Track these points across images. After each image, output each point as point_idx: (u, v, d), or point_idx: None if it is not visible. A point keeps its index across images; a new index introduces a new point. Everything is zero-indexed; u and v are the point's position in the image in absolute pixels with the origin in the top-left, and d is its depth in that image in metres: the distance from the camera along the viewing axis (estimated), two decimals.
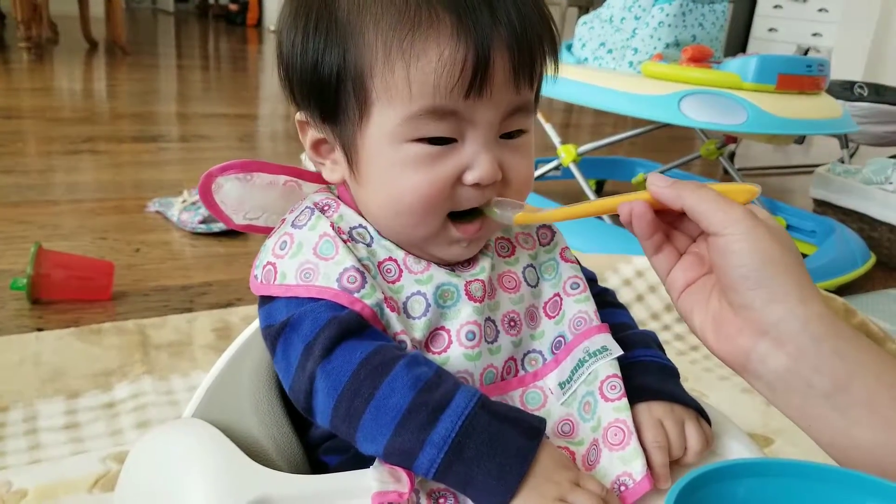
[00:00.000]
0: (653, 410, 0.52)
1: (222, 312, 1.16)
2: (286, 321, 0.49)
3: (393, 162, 0.48)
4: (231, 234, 1.52)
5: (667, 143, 2.99)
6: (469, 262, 0.53)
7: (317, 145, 0.53)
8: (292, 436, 0.53)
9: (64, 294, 1.16)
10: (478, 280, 0.52)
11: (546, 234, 0.59)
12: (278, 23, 0.52)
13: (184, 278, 1.30)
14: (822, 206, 1.92)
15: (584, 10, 4.47)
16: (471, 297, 0.51)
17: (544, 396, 0.53)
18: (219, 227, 1.51)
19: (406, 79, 0.46)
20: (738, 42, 5.62)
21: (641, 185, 2.15)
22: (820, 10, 5.08)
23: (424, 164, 0.48)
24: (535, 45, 0.48)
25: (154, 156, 2.14)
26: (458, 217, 0.50)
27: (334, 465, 0.54)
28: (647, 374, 0.54)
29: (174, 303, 1.20)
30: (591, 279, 0.60)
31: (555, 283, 0.56)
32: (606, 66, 1.70)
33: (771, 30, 5.46)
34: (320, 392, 0.46)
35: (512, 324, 0.53)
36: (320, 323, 0.47)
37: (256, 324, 0.58)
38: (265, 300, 0.51)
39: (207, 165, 0.55)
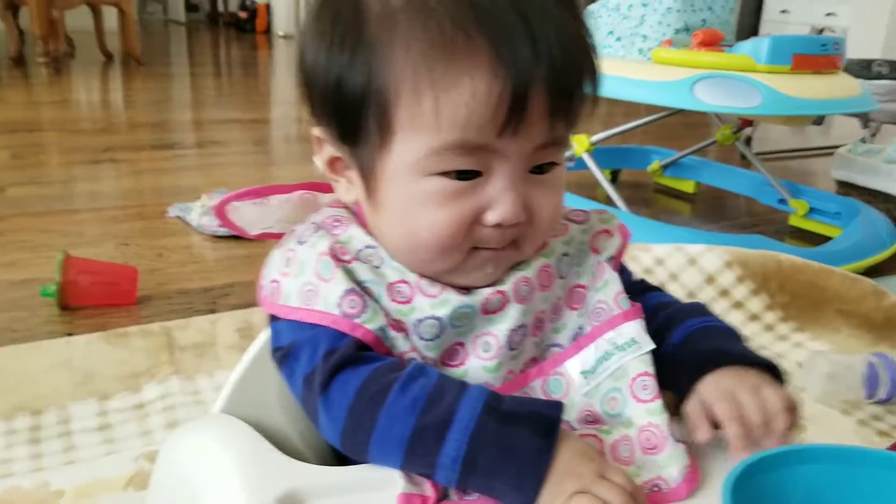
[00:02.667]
0: (721, 382, 0.49)
1: (245, 313, 1.17)
2: (287, 349, 0.48)
3: (412, 195, 0.46)
4: None
5: (681, 129, 2.97)
6: None
7: (332, 162, 0.52)
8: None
9: (91, 300, 1.18)
10: (498, 292, 0.49)
11: (578, 214, 0.56)
12: (300, 32, 0.50)
13: (206, 280, 1.31)
14: (846, 188, 1.90)
15: None
16: (487, 312, 0.49)
17: (566, 384, 0.51)
18: None
19: (434, 110, 0.43)
20: (749, 25, 5.56)
21: (657, 173, 2.14)
22: None
23: (445, 200, 0.45)
24: (575, 81, 0.46)
25: (171, 162, 2.16)
26: None
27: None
28: (708, 338, 0.52)
29: (197, 305, 1.21)
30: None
31: (580, 271, 0.54)
32: (615, 54, 1.69)
33: (783, 11, 5.40)
34: (325, 426, 0.46)
35: (539, 324, 0.51)
36: (318, 356, 0.46)
37: None
38: (272, 318, 0.51)
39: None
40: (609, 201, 1.68)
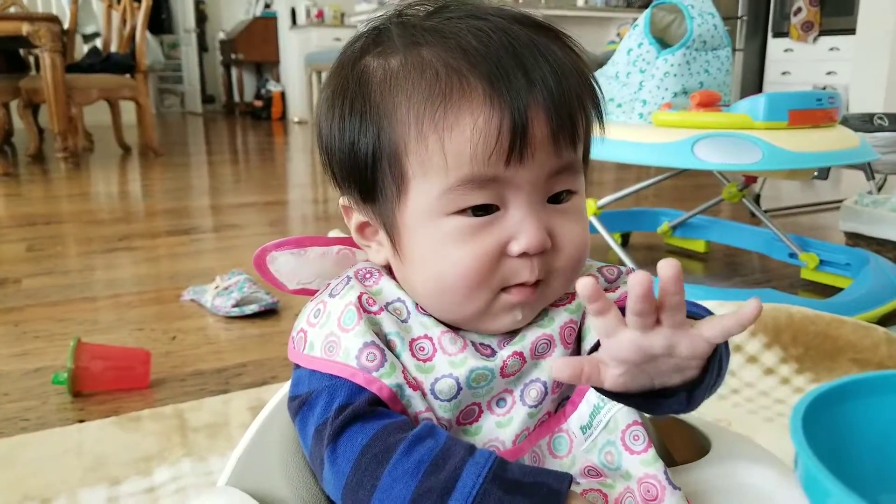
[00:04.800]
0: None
1: (258, 391, 1.17)
2: (304, 399, 0.49)
3: (434, 238, 0.47)
4: (263, 314, 1.55)
5: (691, 190, 2.99)
6: (511, 334, 0.51)
7: (361, 228, 0.53)
8: (321, 496, 0.53)
9: (103, 385, 1.18)
10: (515, 354, 0.49)
11: (612, 271, 0.57)
12: (317, 110, 0.53)
13: (219, 361, 1.32)
14: (854, 239, 1.90)
15: (598, 66, 4.56)
16: (505, 375, 0.49)
17: (569, 441, 0.51)
18: (251, 309, 1.54)
19: (441, 151, 0.45)
20: (752, 88, 5.66)
21: (666, 235, 2.15)
22: (831, 49, 5.12)
23: (466, 237, 0.46)
24: (575, 105, 0.47)
25: (188, 247, 2.20)
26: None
27: None
28: None
29: (210, 385, 1.21)
30: None
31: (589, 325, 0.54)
32: (616, 120, 1.72)
33: (784, 73, 5.50)
34: (328, 479, 0.46)
35: (558, 382, 0.51)
36: (331, 408, 0.46)
37: (282, 392, 0.59)
38: (296, 367, 0.52)
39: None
40: (621, 264, 1.68)
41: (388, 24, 0.50)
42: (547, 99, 0.45)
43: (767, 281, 1.82)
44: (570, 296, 0.53)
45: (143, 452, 1.00)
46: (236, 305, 1.54)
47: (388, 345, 0.48)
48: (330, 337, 0.49)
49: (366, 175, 0.48)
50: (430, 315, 0.50)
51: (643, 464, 0.48)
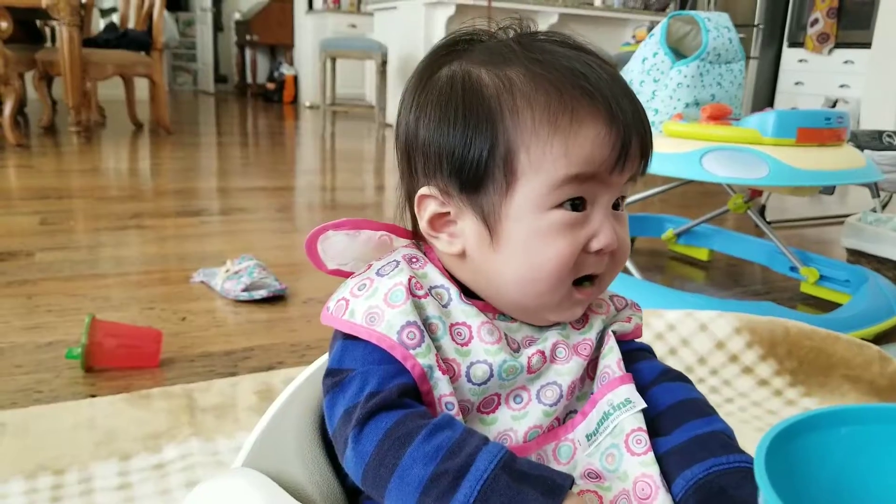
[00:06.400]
0: None
1: (265, 375, 1.20)
2: (337, 380, 0.53)
3: (537, 229, 0.53)
4: (271, 300, 1.58)
5: (698, 198, 3.01)
6: (535, 335, 0.57)
7: (435, 219, 0.57)
8: (334, 481, 0.57)
9: (115, 362, 1.21)
10: (539, 352, 0.55)
11: (621, 301, 0.64)
12: (405, 115, 0.58)
13: (227, 344, 1.35)
14: (856, 256, 1.92)
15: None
16: (531, 371, 0.55)
17: (573, 449, 0.55)
18: (260, 294, 1.57)
19: (563, 153, 0.52)
20: (765, 96, 5.67)
21: (671, 242, 2.18)
22: (846, 62, 5.13)
23: (565, 230, 0.53)
24: (650, 138, 0.56)
25: (197, 229, 2.23)
26: (576, 283, 0.55)
27: None
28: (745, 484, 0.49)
29: (219, 368, 1.25)
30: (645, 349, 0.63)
31: (600, 344, 0.60)
32: None
33: (797, 83, 5.50)
34: (351, 458, 0.50)
35: (572, 389, 0.56)
36: (363, 393, 0.50)
37: (299, 379, 0.62)
38: (335, 338, 0.56)
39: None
40: (624, 268, 1.71)
41: (500, 40, 0.57)
42: (640, 128, 0.54)
43: (767, 293, 1.85)
44: (586, 319, 0.59)
45: (152, 429, 1.03)
46: (246, 290, 1.57)
47: (429, 328, 0.53)
48: (373, 308, 0.53)
49: (475, 170, 0.54)
50: (472, 304, 0.55)
51: (642, 464, 0.52)
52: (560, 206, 0.53)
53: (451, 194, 0.55)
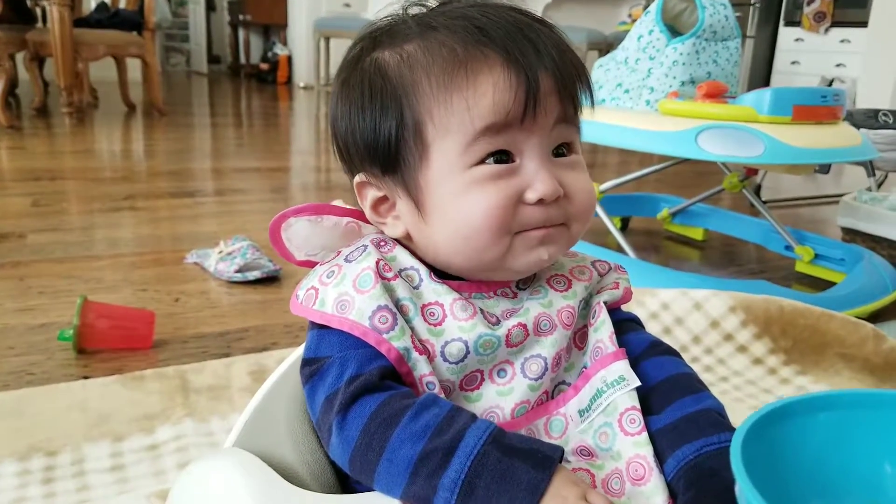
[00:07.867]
0: None
1: (258, 356, 1.20)
2: (316, 368, 0.52)
3: (459, 188, 0.51)
4: (265, 281, 1.57)
5: (693, 177, 3.00)
6: (515, 306, 0.55)
7: (376, 205, 0.57)
8: (325, 462, 0.56)
9: (108, 343, 1.21)
10: (520, 325, 0.54)
11: (603, 265, 0.62)
12: (332, 111, 0.58)
13: (221, 325, 1.34)
14: (851, 234, 1.92)
15: (605, 51, 4.55)
16: (510, 345, 0.53)
17: (565, 423, 0.54)
18: (254, 275, 1.56)
19: (465, 108, 0.50)
20: (761, 76, 5.64)
21: (666, 221, 2.17)
22: (842, 41, 5.10)
23: (488, 182, 0.51)
24: (573, 72, 0.53)
25: (191, 210, 2.21)
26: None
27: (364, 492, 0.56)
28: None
29: (212, 349, 1.24)
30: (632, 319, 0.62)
31: (586, 312, 0.58)
32: (624, 105, 1.73)
33: (794, 63, 5.47)
34: (337, 445, 0.49)
35: (557, 361, 0.55)
36: (342, 379, 0.50)
37: (290, 359, 0.61)
38: (310, 327, 0.55)
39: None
40: (619, 248, 1.71)
41: (400, 18, 0.55)
42: (553, 65, 0.51)
43: (762, 272, 1.85)
44: (569, 283, 0.58)
45: (145, 410, 1.02)
46: (239, 271, 1.56)
47: (401, 310, 0.52)
48: (343, 296, 0.52)
49: (388, 149, 0.53)
50: (444, 283, 0.54)
51: (635, 445, 0.51)
52: (482, 162, 0.51)
53: (379, 178, 0.55)
